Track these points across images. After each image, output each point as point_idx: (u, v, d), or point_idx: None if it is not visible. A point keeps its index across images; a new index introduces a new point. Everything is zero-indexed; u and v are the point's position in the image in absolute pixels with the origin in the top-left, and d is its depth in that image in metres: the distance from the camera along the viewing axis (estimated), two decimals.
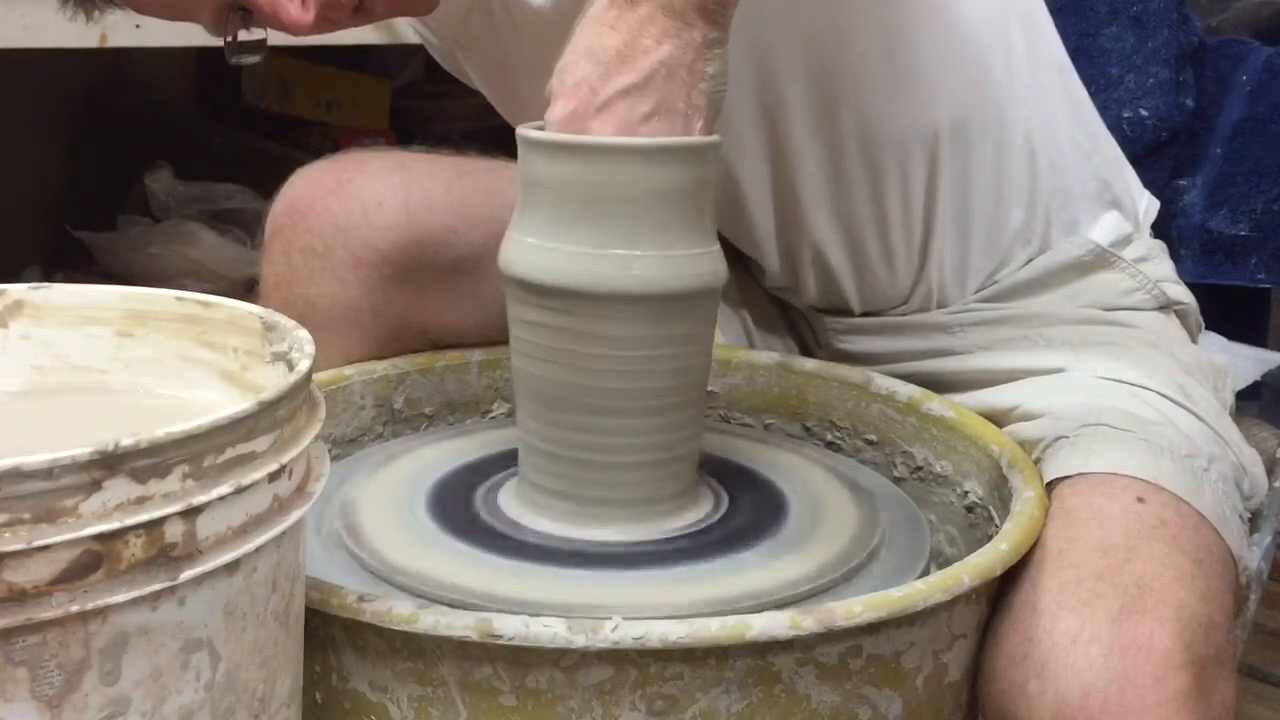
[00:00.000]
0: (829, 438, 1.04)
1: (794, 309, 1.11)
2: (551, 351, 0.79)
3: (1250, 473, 0.92)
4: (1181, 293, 1.07)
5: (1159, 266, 1.07)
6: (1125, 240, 1.05)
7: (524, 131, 0.78)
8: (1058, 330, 1.00)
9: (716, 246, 0.80)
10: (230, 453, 0.54)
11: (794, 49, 0.94)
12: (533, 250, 0.78)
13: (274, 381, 0.62)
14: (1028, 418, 0.93)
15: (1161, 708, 0.69)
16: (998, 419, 0.96)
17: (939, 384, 1.01)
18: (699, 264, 0.78)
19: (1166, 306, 1.05)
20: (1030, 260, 1.03)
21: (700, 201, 0.78)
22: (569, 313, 0.78)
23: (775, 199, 1.00)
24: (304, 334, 0.65)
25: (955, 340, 1.03)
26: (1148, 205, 1.11)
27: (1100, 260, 1.03)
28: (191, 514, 0.52)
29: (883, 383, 1.01)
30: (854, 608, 0.67)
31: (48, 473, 0.48)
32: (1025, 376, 0.97)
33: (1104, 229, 1.04)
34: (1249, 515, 0.91)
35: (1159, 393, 0.91)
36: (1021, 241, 1.02)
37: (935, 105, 0.96)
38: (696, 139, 0.76)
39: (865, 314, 1.05)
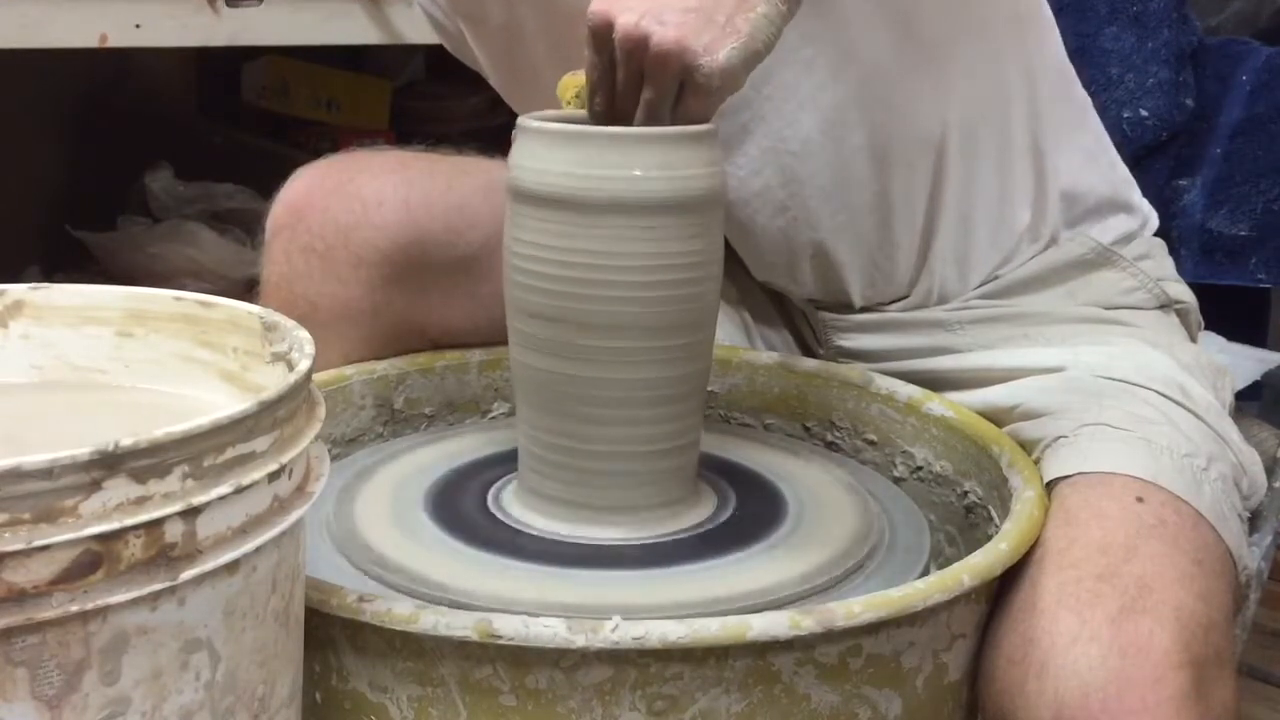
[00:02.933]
0: (829, 438, 1.04)
1: (793, 306, 1.11)
2: (552, 294, 0.79)
3: (1249, 472, 0.92)
4: (1182, 291, 1.07)
5: (1159, 265, 1.07)
6: (1126, 238, 1.05)
7: (524, 121, 0.80)
8: (1058, 329, 1.00)
9: (719, 162, 0.81)
10: (230, 453, 0.54)
11: (800, 39, 0.94)
12: (535, 162, 0.79)
13: (274, 381, 0.62)
14: (1027, 417, 0.93)
15: (1161, 708, 0.69)
16: (998, 418, 0.96)
17: (939, 382, 1.01)
18: (698, 168, 0.79)
19: (1167, 305, 1.05)
20: (1034, 256, 1.03)
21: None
22: (570, 225, 0.78)
23: (778, 187, 1.00)
24: (304, 334, 0.65)
25: (955, 338, 1.02)
26: (1147, 209, 1.11)
27: (1101, 258, 1.03)
28: (191, 514, 0.52)
29: (883, 383, 1.01)
30: (854, 608, 0.67)
31: (48, 473, 0.48)
32: (1025, 375, 0.97)
33: (1107, 228, 1.05)
34: (1248, 515, 0.91)
35: (1158, 392, 0.91)
36: (1029, 239, 1.03)
37: (944, 102, 0.96)
38: (694, 128, 0.77)
39: (864, 309, 1.05)
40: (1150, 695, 0.69)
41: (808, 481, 0.91)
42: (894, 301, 1.04)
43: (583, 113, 0.84)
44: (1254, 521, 0.94)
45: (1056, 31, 1.06)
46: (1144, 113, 1.42)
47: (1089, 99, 1.09)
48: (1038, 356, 0.98)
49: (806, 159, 0.97)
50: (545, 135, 0.79)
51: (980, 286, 1.03)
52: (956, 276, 1.02)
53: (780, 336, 1.12)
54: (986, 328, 1.02)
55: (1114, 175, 1.07)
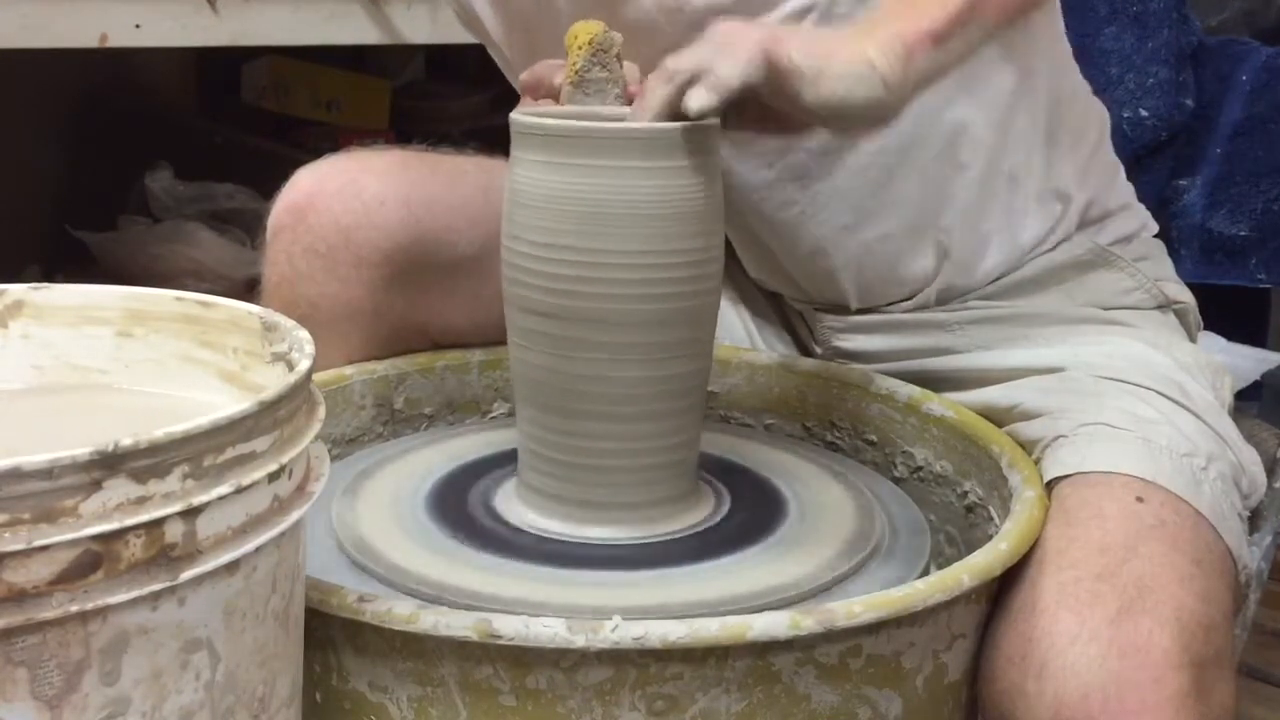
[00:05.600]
0: (829, 438, 1.04)
1: (789, 307, 1.11)
2: (552, 292, 0.79)
3: (1249, 471, 0.92)
4: (1180, 292, 1.07)
5: (1157, 266, 1.07)
6: (1125, 240, 1.05)
7: (517, 117, 0.80)
8: (1057, 329, 1.00)
9: (719, 158, 0.81)
10: (230, 453, 0.54)
11: None
12: (533, 166, 0.80)
13: (274, 381, 0.62)
14: (1027, 417, 0.93)
15: (1160, 708, 0.69)
16: (997, 418, 0.96)
17: (938, 382, 1.01)
18: (701, 165, 0.79)
19: (1165, 305, 1.05)
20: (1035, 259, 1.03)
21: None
22: (568, 222, 0.78)
23: (788, 180, 1.00)
24: (304, 334, 0.65)
25: (954, 339, 1.02)
26: (1146, 214, 1.11)
27: (1099, 259, 1.03)
28: (191, 514, 0.52)
29: (883, 383, 1.01)
30: (854, 608, 0.67)
31: (48, 473, 0.48)
32: (1024, 375, 0.97)
33: (1106, 230, 1.05)
34: (1248, 514, 0.91)
35: (1158, 391, 0.91)
36: (1036, 248, 1.02)
37: (963, 119, 0.97)
38: (698, 123, 0.77)
39: (860, 311, 1.05)
40: (1150, 695, 0.69)
41: (808, 481, 0.91)
42: (891, 304, 1.04)
43: (579, 108, 0.84)
44: (1254, 521, 0.94)
45: (1072, 62, 1.06)
46: (1144, 113, 1.42)
47: (1105, 113, 1.09)
48: (1037, 357, 0.98)
49: (821, 157, 0.97)
50: (546, 130, 0.79)
51: (982, 287, 1.03)
52: (960, 285, 1.02)
53: (779, 335, 1.12)
54: (985, 328, 1.02)
55: (1117, 187, 1.07)
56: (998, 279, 1.03)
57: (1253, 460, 0.93)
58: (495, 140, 1.03)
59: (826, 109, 0.77)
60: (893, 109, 0.79)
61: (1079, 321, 1.01)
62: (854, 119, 0.79)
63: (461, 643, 0.66)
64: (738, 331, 1.12)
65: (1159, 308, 1.04)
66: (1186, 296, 1.07)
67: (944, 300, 1.03)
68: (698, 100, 0.75)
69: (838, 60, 0.76)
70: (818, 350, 1.09)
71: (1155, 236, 1.10)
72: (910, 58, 0.78)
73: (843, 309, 1.05)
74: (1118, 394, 0.91)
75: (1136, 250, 1.06)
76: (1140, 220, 1.08)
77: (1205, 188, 1.44)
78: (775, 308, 1.12)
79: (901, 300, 1.03)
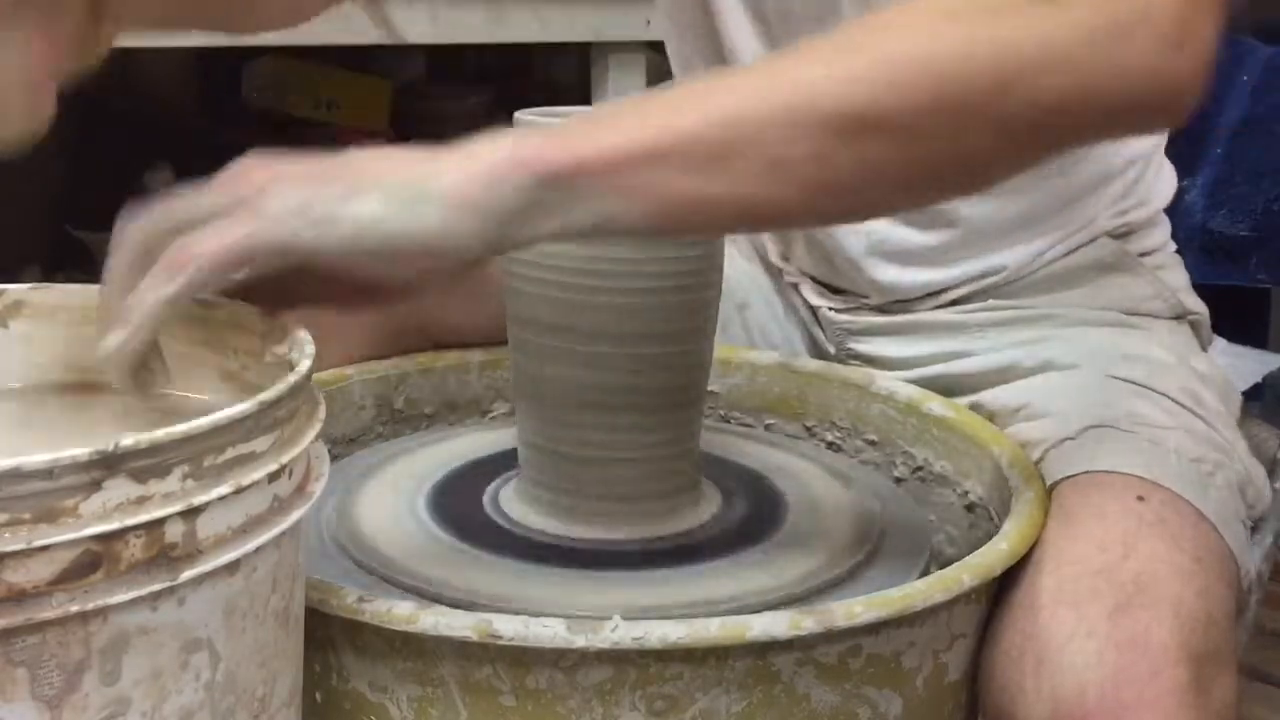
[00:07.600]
0: (829, 438, 1.04)
1: (803, 307, 1.11)
2: (551, 300, 0.79)
3: (1255, 483, 0.91)
4: (1196, 303, 1.07)
5: (1176, 276, 1.07)
6: (1148, 251, 1.06)
7: (521, 116, 0.80)
8: (1075, 330, 1.00)
9: None
10: (230, 453, 0.54)
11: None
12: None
13: (274, 381, 0.62)
14: (1034, 417, 0.93)
15: (1159, 703, 0.69)
16: (1005, 418, 0.95)
17: (957, 388, 1.01)
18: None
19: (1181, 316, 1.05)
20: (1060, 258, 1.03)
21: None
22: None
23: None
24: (304, 334, 0.65)
25: (974, 341, 1.02)
26: (1167, 226, 1.11)
27: (1121, 263, 1.03)
28: (191, 514, 0.52)
29: (883, 383, 1.01)
30: (854, 608, 0.67)
31: (48, 473, 0.48)
32: (1039, 373, 0.97)
33: (1132, 238, 1.05)
34: (1251, 524, 0.91)
35: (1170, 397, 0.91)
36: (1066, 244, 1.03)
37: None
38: None
39: (880, 307, 1.04)
40: (1148, 690, 0.69)
41: (808, 481, 0.91)
42: (914, 300, 1.04)
43: (581, 108, 0.84)
44: (1254, 527, 0.94)
45: None
46: None
47: None
48: (1053, 356, 0.98)
49: None
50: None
51: (1003, 286, 1.03)
52: (985, 284, 1.02)
53: (783, 334, 1.12)
54: (1004, 330, 1.02)
55: (1162, 185, 1.07)
56: (1020, 279, 1.03)
57: (1260, 475, 0.93)
58: None
59: (336, 251, 0.60)
60: (463, 240, 0.61)
61: (1098, 324, 1.01)
62: (390, 258, 0.60)
63: (461, 643, 0.66)
64: (737, 331, 1.12)
65: (1175, 318, 1.04)
66: (1201, 308, 1.07)
67: (964, 300, 1.03)
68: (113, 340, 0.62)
69: (369, 182, 0.61)
70: (831, 351, 1.09)
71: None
72: (498, 181, 0.60)
73: (862, 304, 1.04)
74: (1128, 396, 0.91)
75: (1158, 259, 1.06)
76: (1164, 233, 1.08)
77: (1205, 188, 1.44)
78: (788, 311, 1.12)
79: (921, 298, 1.03)
